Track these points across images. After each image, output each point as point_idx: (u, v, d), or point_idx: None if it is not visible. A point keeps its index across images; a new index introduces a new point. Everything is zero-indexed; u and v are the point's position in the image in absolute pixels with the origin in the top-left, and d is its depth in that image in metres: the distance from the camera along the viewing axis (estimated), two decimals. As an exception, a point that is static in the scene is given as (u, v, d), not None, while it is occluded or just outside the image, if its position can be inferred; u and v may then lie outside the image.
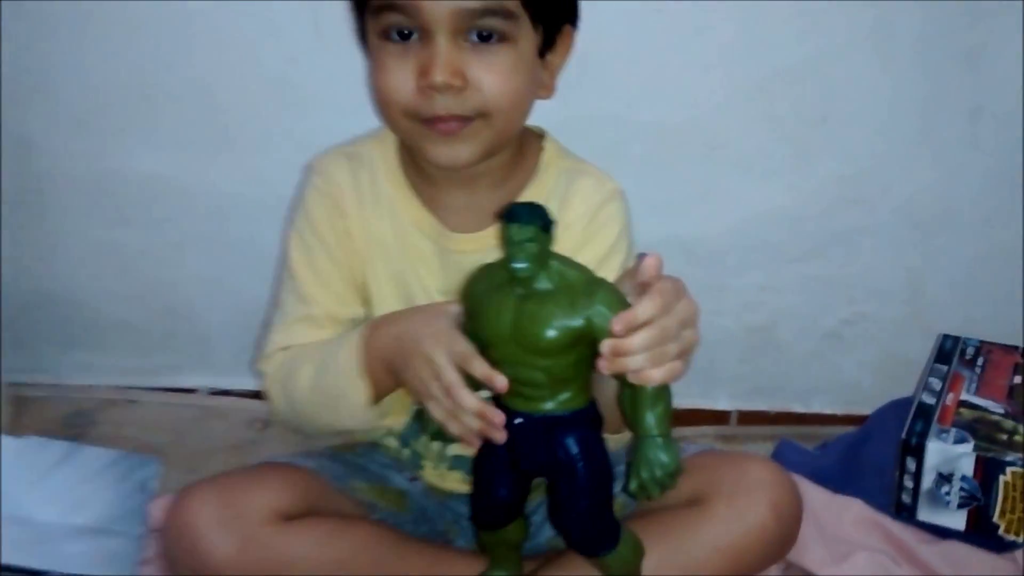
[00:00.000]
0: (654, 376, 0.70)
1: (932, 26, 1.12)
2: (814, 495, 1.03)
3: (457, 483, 0.98)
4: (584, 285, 0.72)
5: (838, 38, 1.13)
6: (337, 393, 0.88)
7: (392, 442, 1.00)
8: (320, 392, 0.89)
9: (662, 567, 0.80)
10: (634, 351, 0.70)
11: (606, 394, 0.77)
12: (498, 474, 0.79)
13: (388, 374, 0.85)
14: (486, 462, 0.80)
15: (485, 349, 0.75)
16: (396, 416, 0.92)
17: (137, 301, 1.28)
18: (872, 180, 1.19)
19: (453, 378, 0.76)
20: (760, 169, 1.19)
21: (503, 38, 0.84)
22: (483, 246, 0.92)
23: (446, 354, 0.77)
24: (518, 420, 0.75)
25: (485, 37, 0.84)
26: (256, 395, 1.27)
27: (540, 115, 0.93)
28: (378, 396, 0.87)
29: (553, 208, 0.86)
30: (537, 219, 0.71)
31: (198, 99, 1.17)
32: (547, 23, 0.87)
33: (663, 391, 0.72)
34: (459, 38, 0.83)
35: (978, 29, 1.12)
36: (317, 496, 0.91)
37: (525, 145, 0.95)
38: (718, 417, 1.30)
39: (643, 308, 0.70)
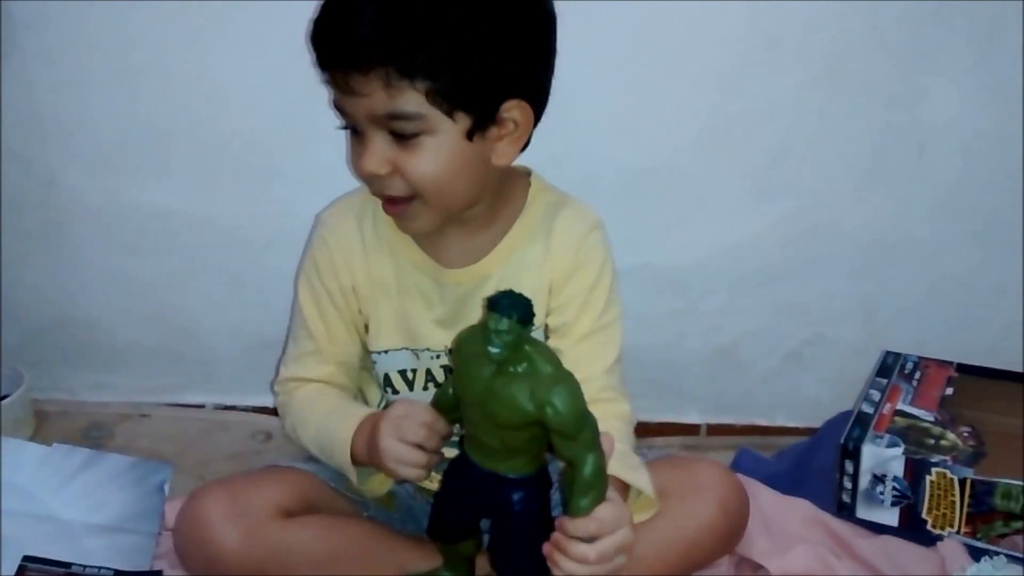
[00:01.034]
0: None
1: (881, 69, 1.16)
2: (764, 496, 1.07)
3: None
4: (548, 378, 0.77)
5: (792, 80, 1.16)
6: (336, 464, 0.96)
7: None
8: (322, 454, 0.98)
9: None
10: (569, 555, 0.78)
11: None
12: (455, 503, 0.86)
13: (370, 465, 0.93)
14: (446, 490, 0.87)
15: (460, 403, 0.83)
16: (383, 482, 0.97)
17: (148, 324, 1.31)
18: (827, 212, 1.23)
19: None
20: (723, 204, 1.23)
21: (420, 132, 0.88)
22: (477, 276, 0.98)
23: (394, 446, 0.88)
24: (475, 467, 0.82)
25: (407, 137, 0.88)
26: (259, 410, 1.31)
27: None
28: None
29: (541, 236, 0.97)
30: (517, 311, 0.76)
31: (208, 138, 1.20)
32: (471, 110, 0.88)
33: (596, 480, 0.78)
34: (386, 132, 0.88)
35: (925, 71, 1.16)
36: (316, 495, 0.97)
37: (512, 185, 0.99)
38: (688, 430, 1.33)
39: (580, 525, 0.78)
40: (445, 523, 0.88)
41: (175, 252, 1.27)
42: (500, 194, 0.99)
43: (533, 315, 0.78)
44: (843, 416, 1.18)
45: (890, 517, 1.08)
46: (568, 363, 0.86)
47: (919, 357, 1.24)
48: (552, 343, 0.98)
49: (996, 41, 1.16)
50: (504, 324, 0.76)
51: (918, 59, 1.16)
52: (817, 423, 1.27)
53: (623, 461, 0.89)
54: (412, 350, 1.01)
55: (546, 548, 0.80)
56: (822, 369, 1.32)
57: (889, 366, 1.23)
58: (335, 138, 1.13)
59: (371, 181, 0.92)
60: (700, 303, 1.29)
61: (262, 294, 1.28)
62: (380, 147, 0.89)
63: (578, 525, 0.78)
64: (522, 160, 1.00)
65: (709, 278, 1.27)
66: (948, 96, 1.18)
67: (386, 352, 1.02)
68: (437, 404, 0.89)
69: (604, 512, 0.78)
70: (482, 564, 0.93)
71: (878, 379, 1.21)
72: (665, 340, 1.29)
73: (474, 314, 0.98)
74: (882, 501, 1.07)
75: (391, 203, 0.93)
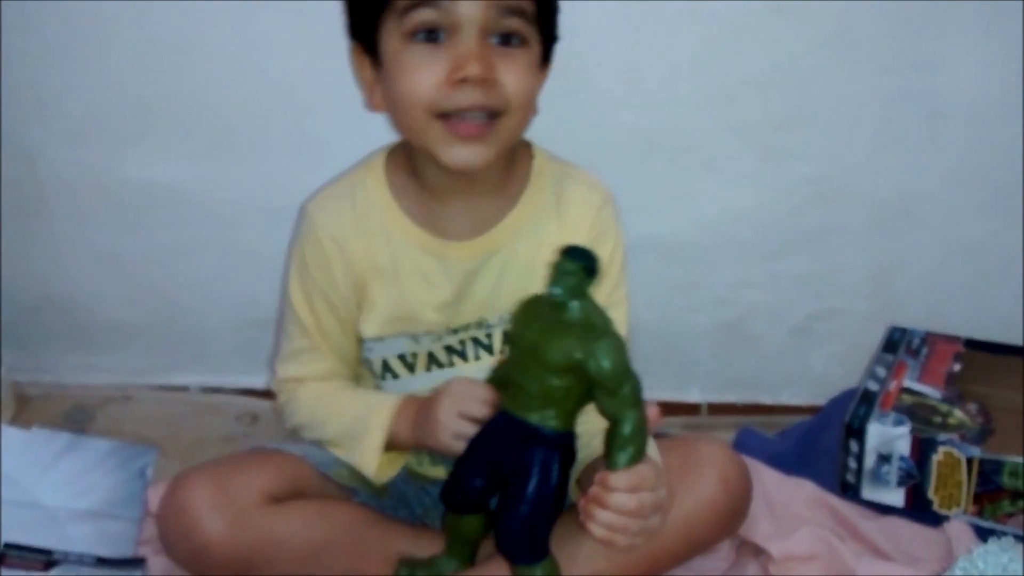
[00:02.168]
0: (617, 541, 0.79)
1: (892, 33, 1.14)
2: (768, 476, 1.06)
3: (434, 471, 1.01)
4: (597, 330, 0.80)
5: (799, 46, 1.14)
6: (353, 459, 0.95)
7: None
8: (339, 449, 0.96)
9: None
10: (608, 506, 0.79)
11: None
12: (477, 464, 0.86)
13: (407, 445, 0.94)
14: (470, 451, 0.87)
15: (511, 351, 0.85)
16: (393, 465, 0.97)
17: (133, 303, 1.30)
18: (838, 181, 1.21)
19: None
20: (731, 171, 1.21)
21: (522, 41, 0.87)
22: (483, 250, 0.95)
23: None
24: (507, 419, 0.83)
25: (506, 40, 0.86)
26: (246, 392, 1.30)
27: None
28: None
29: (552, 209, 0.96)
30: (585, 261, 0.80)
31: (193, 111, 1.18)
32: (547, 34, 0.90)
33: (638, 437, 0.80)
34: (485, 38, 0.85)
35: (936, 36, 1.14)
36: (304, 480, 0.94)
37: (516, 153, 0.97)
38: (689, 409, 1.32)
39: (619, 477, 0.78)
40: (464, 483, 0.87)
41: (160, 228, 1.25)
42: (512, 160, 0.96)
43: (598, 270, 0.81)
44: (848, 394, 1.17)
45: (896, 497, 1.07)
46: None
47: (926, 332, 1.23)
48: None
49: (1009, 4, 1.13)
50: (574, 267, 0.79)
51: (929, 23, 1.14)
52: (823, 401, 1.26)
53: None
54: (411, 335, 0.98)
55: (582, 502, 0.81)
56: (830, 344, 1.30)
57: (895, 342, 1.22)
58: (329, 106, 1.14)
59: (445, 95, 0.85)
60: (707, 276, 1.27)
61: (252, 271, 1.26)
62: (485, 51, 0.85)
63: (618, 477, 0.78)
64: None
65: (716, 250, 1.25)
66: (960, 61, 1.16)
67: (381, 340, 0.98)
68: (490, 378, 0.91)
69: (644, 468, 0.79)
70: (485, 551, 0.92)
71: (884, 355, 1.19)
72: (670, 314, 1.28)
73: (480, 295, 0.96)
74: (888, 481, 1.06)
75: (476, 122, 0.86)
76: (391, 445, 0.94)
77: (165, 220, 1.25)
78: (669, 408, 1.29)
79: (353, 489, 0.98)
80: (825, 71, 1.16)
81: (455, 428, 0.87)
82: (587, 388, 0.80)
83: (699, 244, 1.25)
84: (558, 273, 0.80)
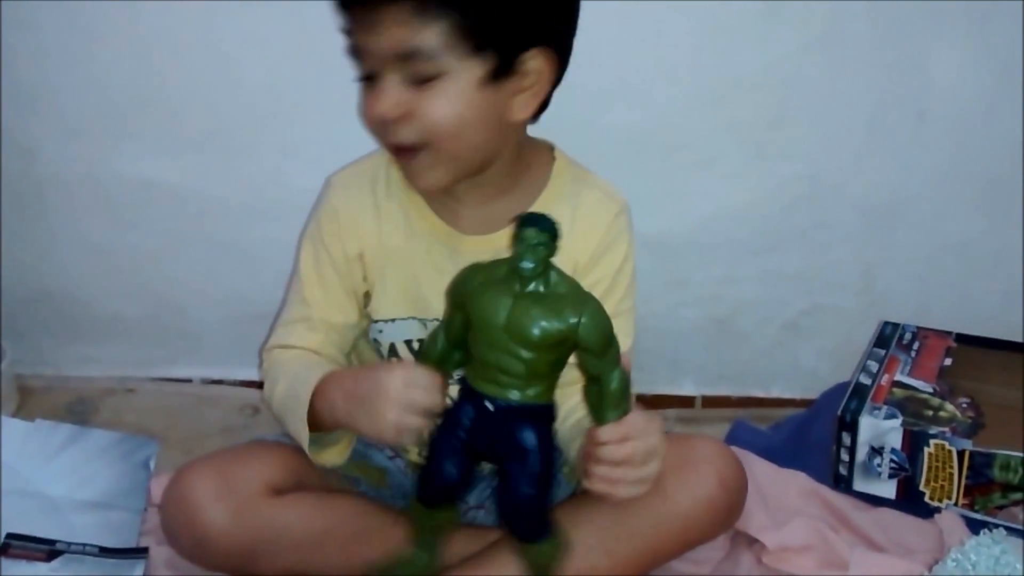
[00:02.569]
0: (616, 493, 0.81)
1: (879, 34, 1.15)
2: (761, 469, 1.07)
3: None
4: (578, 296, 0.80)
5: (790, 46, 1.15)
6: (286, 414, 0.93)
7: None
8: (281, 407, 0.95)
9: (617, 537, 0.85)
10: (601, 460, 0.80)
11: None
12: (453, 454, 0.83)
13: (334, 423, 0.89)
14: (443, 442, 0.84)
15: (474, 333, 0.81)
16: (341, 452, 0.95)
17: (133, 297, 1.30)
18: (825, 178, 1.22)
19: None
20: (721, 169, 1.22)
21: (436, 75, 0.85)
22: (494, 247, 0.93)
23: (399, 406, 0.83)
24: (487, 403, 0.81)
25: (423, 79, 0.85)
26: (246, 384, 1.30)
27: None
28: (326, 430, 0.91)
29: (567, 213, 0.95)
30: (551, 228, 0.79)
31: (190, 107, 1.18)
32: (494, 51, 0.86)
33: (624, 393, 0.81)
34: (403, 79, 0.86)
35: (923, 37, 1.15)
36: (305, 471, 0.94)
37: (532, 154, 0.97)
38: (683, 402, 1.33)
39: (609, 430, 0.80)
40: (439, 475, 0.84)
41: (160, 222, 1.26)
42: (520, 160, 0.96)
43: (559, 235, 0.80)
44: (840, 388, 1.18)
45: (887, 489, 1.08)
46: None
47: (917, 327, 1.24)
48: None
49: (996, 5, 1.14)
50: (543, 237, 0.78)
51: (916, 24, 1.15)
52: (814, 395, 1.27)
53: None
54: (420, 320, 0.98)
55: (580, 461, 0.81)
56: (820, 340, 1.31)
57: (887, 337, 1.23)
58: (324, 103, 1.13)
59: (381, 128, 0.89)
60: (697, 272, 1.28)
61: (250, 265, 1.26)
62: (395, 89, 0.86)
63: (608, 430, 0.79)
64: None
65: (708, 247, 1.26)
66: (948, 61, 1.17)
67: (392, 321, 0.99)
68: (428, 358, 0.86)
69: (632, 417, 0.80)
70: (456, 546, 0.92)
71: (876, 350, 1.20)
72: (661, 310, 1.28)
73: None
74: (879, 473, 1.07)
75: (400, 152, 0.90)
76: (330, 422, 0.89)
77: (162, 215, 1.25)
78: (664, 401, 1.32)
79: (354, 480, 0.99)
80: (815, 71, 1.17)
81: (400, 423, 0.83)
82: (568, 355, 0.80)
83: (691, 241, 1.26)
84: (526, 245, 0.78)
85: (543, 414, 0.82)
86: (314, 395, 0.89)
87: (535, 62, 0.88)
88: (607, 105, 1.17)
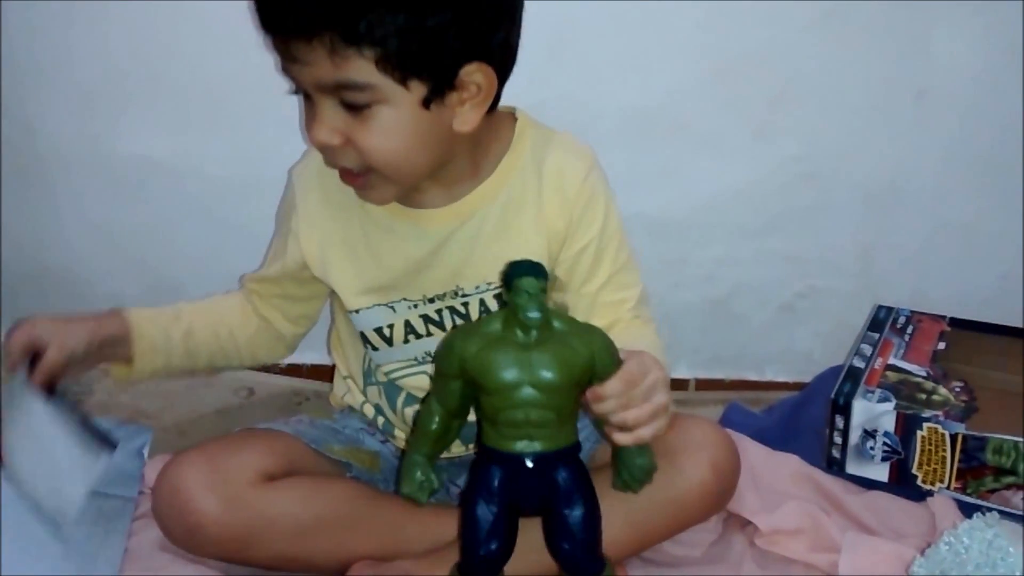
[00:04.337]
0: (642, 435, 0.80)
1: (881, 11, 1.14)
2: (754, 452, 1.06)
3: None
4: (579, 331, 0.80)
5: (792, 24, 1.14)
6: None
7: (368, 410, 1.04)
8: None
9: (609, 518, 0.84)
10: (607, 410, 0.79)
11: None
12: (493, 525, 0.81)
13: None
14: (478, 514, 0.81)
15: (490, 398, 0.79)
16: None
17: (132, 275, 1.29)
18: (826, 159, 1.22)
19: None
20: (720, 149, 1.21)
21: (372, 103, 0.83)
22: (459, 215, 0.94)
23: None
24: (525, 460, 0.80)
25: (358, 107, 0.83)
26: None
27: (512, 96, 0.93)
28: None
29: (532, 180, 0.94)
30: (544, 273, 0.78)
31: (192, 83, 1.18)
32: (427, 75, 0.83)
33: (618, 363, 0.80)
34: (338, 104, 0.84)
35: (925, 14, 1.14)
36: (297, 457, 0.95)
37: (491, 135, 0.94)
38: (676, 385, 1.29)
39: (606, 389, 0.79)
40: (482, 548, 0.81)
41: (159, 199, 1.25)
42: (479, 146, 0.94)
43: (549, 276, 0.80)
44: (833, 371, 1.18)
45: (880, 472, 1.08)
46: (594, 311, 0.94)
47: (911, 311, 1.24)
48: (572, 296, 0.96)
49: (998, -15, 1.13)
50: (542, 284, 0.77)
51: (919, 2, 1.14)
52: (808, 378, 1.27)
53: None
54: (386, 305, 0.98)
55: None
56: (815, 322, 1.31)
57: (881, 320, 1.22)
58: None
59: (324, 151, 0.88)
60: (694, 252, 1.28)
61: (251, 243, 1.21)
62: (331, 116, 0.85)
63: (606, 388, 0.78)
64: (509, 100, 0.95)
65: (704, 227, 1.26)
66: (950, 40, 1.17)
67: (358, 312, 0.99)
68: (428, 435, 0.84)
69: (629, 365, 0.79)
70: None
71: (870, 333, 1.20)
72: (658, 291, 1.22)
73: (454, 260, 0.95)
74: (872, 456, 1.07)
75: (346, 174, 0.89)
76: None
77: (163, 192, 1.24)
78: None
79: (346, 464, 0.99)
80: (816, 49, 1.17)
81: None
82: (586, 385, 0.80)
83: (689, 221, 1.25)
84: (528, 296, 0.77)
85: (576, 452, 0.83)
86: None
87: (474, 76, 0.86)
88: (604, 84, 1.16)
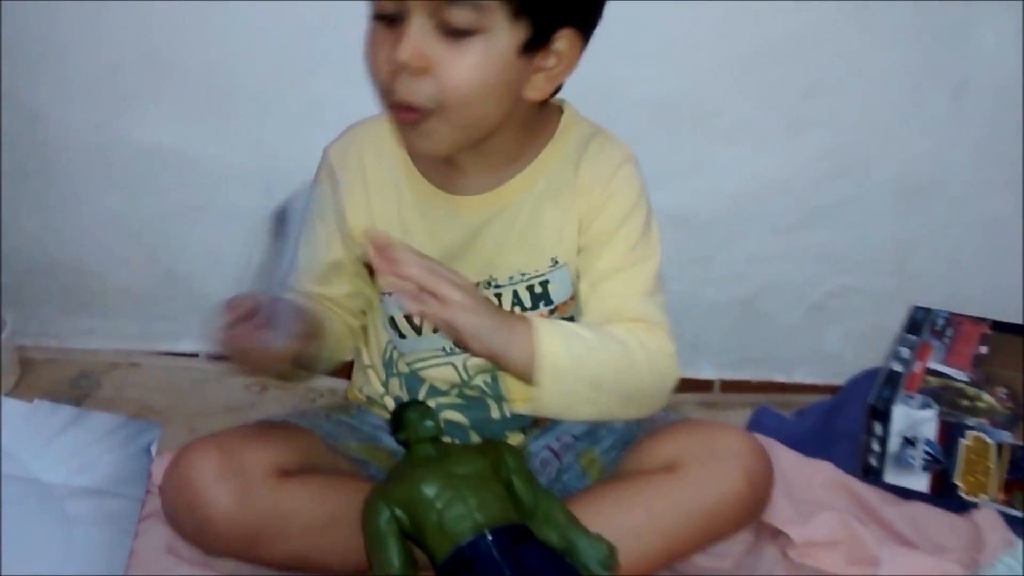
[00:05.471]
0: (401, 287, 0.80)
1: (917, 1, 1.11)
2: (786, 458, 1.04)
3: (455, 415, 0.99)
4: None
5: (827, 10, 1.12)
6: None
7: (388, 402, 1.01)
8: None
9: (639, 530, 0.82)
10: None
11: None
12: None
13: None
14: None
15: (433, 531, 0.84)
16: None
17: (140, 268, 1.28)
18: (860, 152, 1.19)
19: None
20: (750, 141, 1.18)
21: (474, 31, 0.81)
22: (495, 204, 0.93)
23: None
24: (487, 535, 0.82)
25: (458, 31, 0.81)
26: None
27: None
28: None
29: (570, 169, 0.94)
30: (423, 404, 0.93)
31: (203, 70, 1.16)
32: (534, 18, 0.83)
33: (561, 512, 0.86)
34: (433, 26, 0.81)
35: (965, 3, 1.11)
36: (313, 453, 0.92)
37: (540, 123, 0.94)
38: (701, 386, 1.29)
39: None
40: None
41: (170, 190, 1.24)
42: (527, 130, 0.93)
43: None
44: (868, 374, 1.15)
45: (920, 482, 1.04)
46: (597, 297, 0.92)
47: (950, 313, 1.20)
48: (582, 284, 0.94)
49: (1039, -29, 1.11)
50: (423, 406, 0.93)
51: None
52: (839, 380, 1.24)
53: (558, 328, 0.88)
54: None
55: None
56: (847, 323, 1.28)
57: (919, 322, 1.19)
58: (344, 66, 1.09)
59: (388, 80, 0.84)
60: (721, 249, 1.25)
61: (262, 236, 1.22)
62: (421, 36, 0.82)
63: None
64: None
65: (733, 222, 1.23)
66: (988, 28, 1.14)
67: (390, 294, 0.96)
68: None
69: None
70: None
71: (907, 335, 1.17)
72: (684, 289, 1.25)
73: (488, 250, 0.94)
74: (912, 465, 1.04)
75: (404, 111, 0.85)
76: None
77: (171, 182, 1.23)
78: (681, 384, 1.25)
79: (363, 463, 0.97)
80: (851, 37, 1.14)
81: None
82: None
83: (716, 217, 1.22)
84: (418, 424, 0.89)
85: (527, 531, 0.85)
86: None
87: (563, 42, 0.86)
88: (630, 72, 1.13)
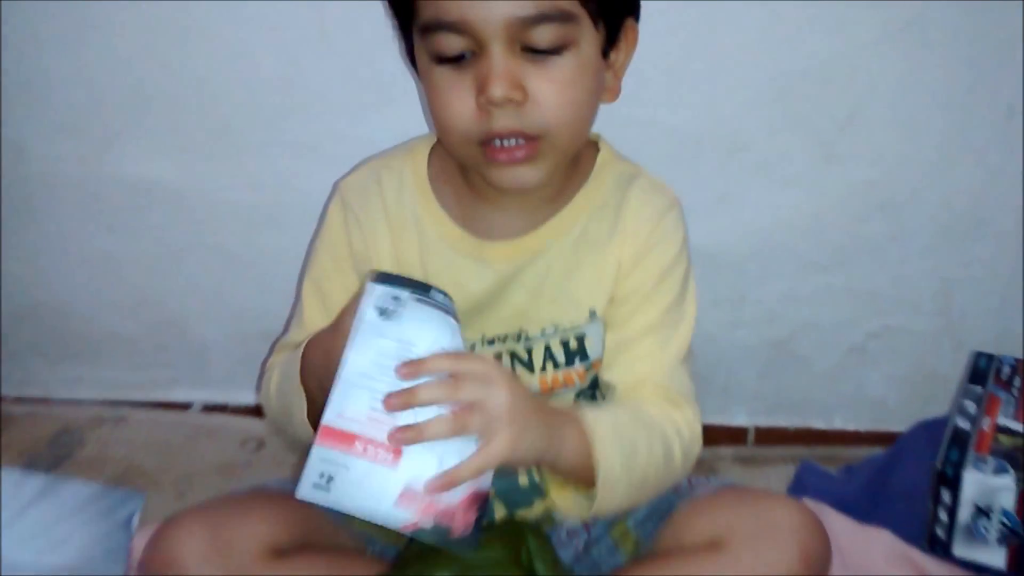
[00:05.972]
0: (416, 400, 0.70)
1: (966, 20, 1.07)
2: (839, 525, 0.98)
3: None
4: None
5: (866, 34, 1.08)
6: (288, 402, 0.83)
7: None
8: (280, 398, 0.85)
9: None
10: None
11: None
12: None
13: (320, 390, 0.78)
14: None
15: None
16: None
17: (129, 312, 1.26)
18: (902, 184, 1.15)
19: None
20: (784, 173, 1.15)
21: (563, 46, 0.78)
22: (526, 251, 0.88)
23: None
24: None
25: (543, 49, 0.77)
26: (252, 412, 1.27)
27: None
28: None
29: (609, 214, 0.90)
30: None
31: (194, 103, 1.14)
32: (609, 18, 0.81)
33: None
34: (516, 50, 0.77)
35: (1013, 25, 1.06)
36: (311, 528, 0.85)
37: (581, 152, 0.90)
38: (734, 434, 1.26)
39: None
40: None
41: (159, 229, 1.22)
42: (572, 161, 0.88)
43: None
44: (924, 427, 1.10)
45: (996, 558, 0.98)
46: (627, 358, 0.87)
47: (1016, 360, 1.14)
48: (610, 337, 0.89)
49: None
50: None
51: (1007, 9, 1.06)
52: (881, 427, 1.22)
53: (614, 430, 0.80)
54: None
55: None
56: (889, 366, 1.24)
57: (982, 371, 1.13)
58: (341, 101, 1.11)
59: (479, 123, 0.79)
60: (754, 289, 1.22)
61: (258, 278, 1.22)
62: (509, 67, 0.77)
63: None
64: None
65: (766, 260, 1.20)
66: None
67: None
68: None
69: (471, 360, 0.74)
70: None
71: (971, 386, 1.10)
72: (713, 331, 1.22)
73: (519, 301, 0.89)
74: (986, 538, 0.97)
75: (516, 147, 0.80)
76: (304, 381, 0.81)
77: (162, 221, 1.21)
78: (714, 432, 1.22)
79: (368, 538, 0.90)
80: (891, 61, 1.09)
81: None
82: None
83: (747, 254, 1.19)
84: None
85: None
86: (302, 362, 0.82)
87: (628, 33, 0.85)
88: (653, 102, 1.10)
